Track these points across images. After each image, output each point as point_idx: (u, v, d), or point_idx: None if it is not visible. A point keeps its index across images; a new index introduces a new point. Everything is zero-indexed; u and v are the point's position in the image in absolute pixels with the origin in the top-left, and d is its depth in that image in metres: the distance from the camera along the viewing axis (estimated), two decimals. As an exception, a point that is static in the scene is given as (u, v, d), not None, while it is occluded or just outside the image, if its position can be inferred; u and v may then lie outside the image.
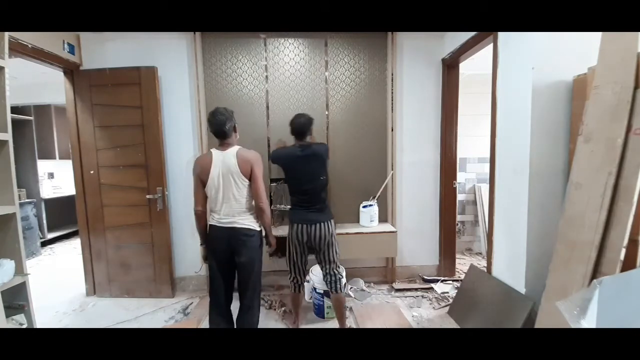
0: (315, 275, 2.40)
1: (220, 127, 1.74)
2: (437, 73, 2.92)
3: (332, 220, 2.08)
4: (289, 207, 2.78)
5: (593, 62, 1.52)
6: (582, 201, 1.43)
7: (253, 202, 1.82)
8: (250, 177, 1.76)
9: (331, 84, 2.84)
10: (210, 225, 1.84)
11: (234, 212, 1.77)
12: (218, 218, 1.78)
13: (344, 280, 2.17)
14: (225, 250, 1.79)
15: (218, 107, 1.79)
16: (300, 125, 2.07)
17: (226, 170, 1.73)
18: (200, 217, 1.83)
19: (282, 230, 2.70)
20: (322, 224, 2.02)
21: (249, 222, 1.80)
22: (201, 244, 1.91)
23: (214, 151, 1.78)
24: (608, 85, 1.40)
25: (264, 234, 1.90)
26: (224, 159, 1.74)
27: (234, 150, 1.76)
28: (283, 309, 2.53)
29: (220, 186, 1.74)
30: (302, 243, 2.04)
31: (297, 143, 2.11)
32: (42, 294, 2.76)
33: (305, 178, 2.04)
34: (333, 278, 2.06)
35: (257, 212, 1.81)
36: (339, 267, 2.11)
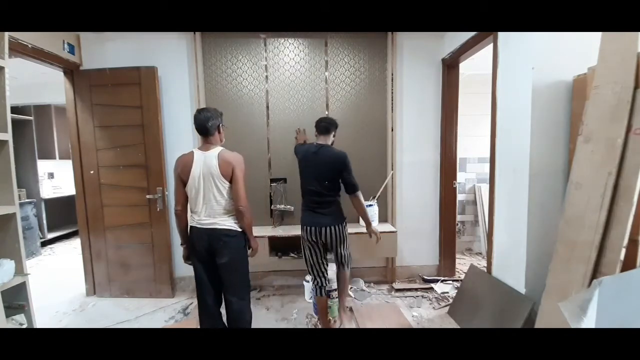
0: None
1: (202, 123, 1.71)
2: (437, 73, 2.92)
3: (342, 224, 2.06)
4: (289, 207, 2.81)
5: (593, 62, 1.52)
6: (582, 201, 1.43)
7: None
8: (232, 179, 1.71)
9: (331, 84, 2.84)
10: (191, 226, 1.81)
11: (215, 213, 1.73)
12: (198, 219, 1.75)
13: (351, 261, 2.21)
14: (207, 251, 1.76)
15: (207, 107, 1.77)
16: (324, 124, 2.10)
17: (207, 171, 1.69)
18: (180, 216, 1.80)
19: (282, 230, 2.72)
20: (331, 227, 2.00)
21: (230, 224, 1.75)
22: (182, 244, 1.88)
23: (196, 151, 1.74)
24: (608, 85, 1.40)
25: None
26: (205, 160, 1.70)
27: (215, 151, 1.71)
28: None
29: (201, 187, 1.71)
30: (314, 241, 2.04)
31: (317, 142, 2.11)
32: (42, 294, 2.76)
33: (312, 177, 2.03)
34: (344, 256, 2.11)
35: (237, 215, 1.75)
36: (348, 249, 2.14)
